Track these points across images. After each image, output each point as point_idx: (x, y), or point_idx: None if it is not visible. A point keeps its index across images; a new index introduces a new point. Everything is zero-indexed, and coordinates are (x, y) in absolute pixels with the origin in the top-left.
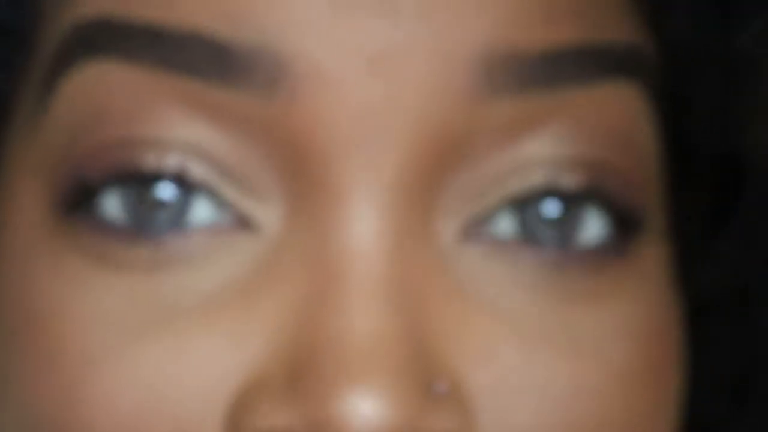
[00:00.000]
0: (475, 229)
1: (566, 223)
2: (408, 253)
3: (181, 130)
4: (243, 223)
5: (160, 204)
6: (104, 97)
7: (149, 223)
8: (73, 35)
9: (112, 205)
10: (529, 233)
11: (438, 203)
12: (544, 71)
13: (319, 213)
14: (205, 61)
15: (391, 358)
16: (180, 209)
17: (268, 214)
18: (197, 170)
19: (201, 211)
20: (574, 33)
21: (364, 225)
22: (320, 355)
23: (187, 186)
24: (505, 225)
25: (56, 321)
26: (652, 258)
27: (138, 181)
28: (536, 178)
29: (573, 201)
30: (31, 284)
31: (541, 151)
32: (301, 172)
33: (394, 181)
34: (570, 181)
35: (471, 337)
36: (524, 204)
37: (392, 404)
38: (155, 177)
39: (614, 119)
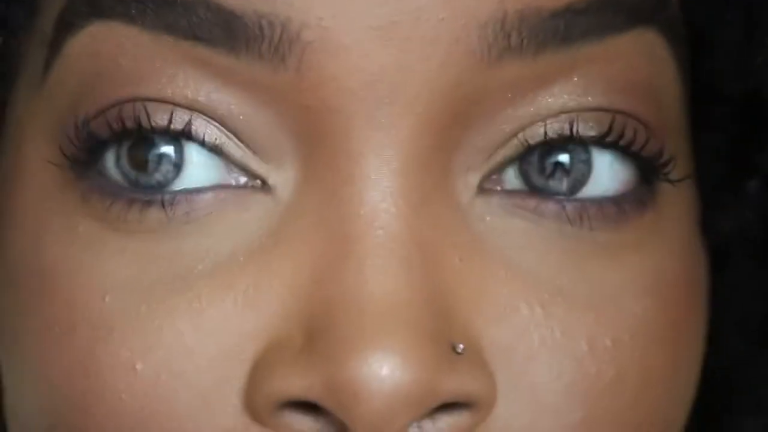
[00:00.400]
0: (494, 182)
1: (586, 173)
2: (424, 213)
3: (188, 90)
4: (254, 184)
5: (168, 162)
6: (111, 57)
7: (157, 183)
8: None
9: (121, 164)
10: (548, 183)
11: (454, 161)
12: (559, 29)
13: (333, 175)
14: (211, 27)
15: (409, 320)
16: (188, 168)
17: (281, 175)
18: (205, 129)
19: (210, 170)
20: None
21: (379, 186)
22: (337, 317)
23: (195, 144)
24: (524, 176)
25: (71, 286)
26: (677, 206)
27: (145, 139)
28: (552, 129)
29: (591, 149)
30: (44, 247)
31: (557, 103)
32: (313, 136)
33: (408, 142)
34: (587, 129)
35: (489, 295)
36: (542, 154)
37: (410, 365)
38: (163, 134)
39: (634, 69)
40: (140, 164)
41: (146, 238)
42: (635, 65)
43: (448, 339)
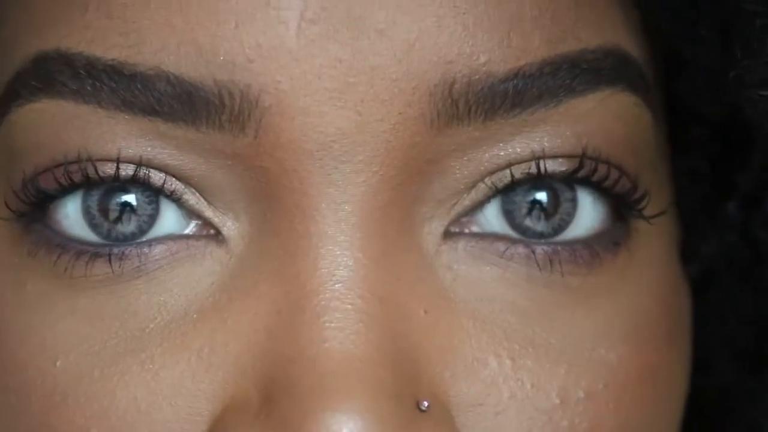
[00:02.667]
0: (463, 224)
1: (555, 220)
2: (386, 265)
3: (140, 152)
4: (208, 233)
5: (118, 212)
6: (58, 133)
7: (107, 233)
8: (31, 68)
9: (69, 217)
10: (516, 225)
11: (416, 212)
12: (508, 94)
13: (289, 231)
14: (171, 101)
15: (369, 378)
16: (139, 217)
17: (235, 226)
18: (157, 176)
19: (165, 221)
20: (544, 45)
21: (336, 241)
22: (294, 377)
23: (147, 189)
24: (491, 221)
25: (22, 351)
26: (654, 241)
27: (94, 189)
28: (519, 170)
29: (560, 191)
30: None
31: (521, 153)
32: (269, 194)
33: (365, 198)
34: (557, 165)
35: (457, 349)
36: (509, 196)
37: (371, 426)
38: (112, 184)
39: (602, 128)
40: (88, 214)
41: (95, 294)
42: (603, 125)
43: (412, 396)
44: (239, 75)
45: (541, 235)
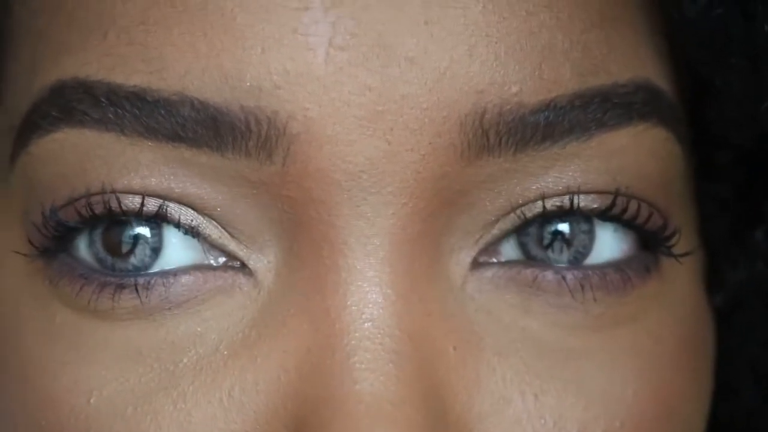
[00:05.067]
0: (489, 253)
1: (588, 244)
2: (415, 300)
3: (162, 184)
4: (233, 264)
5: (144, 244)
6: (79, 162)
7: (133, 267)
8: (49, 98)
9: (92, 249)
10: (547, 254)
11: (444, 244)
12: (539, 126)
13: (317, 264)
14: (196, 127)
15: (400, 420)
16: (165, 250)
17: (261, 259)
18: (180, 211)
19: (187, 251)
20: (575, 78)
21: (365, 276)
22: (325, 419)
23: (170, 226)
24: (522, 247)
25: (52, 388)
26: (682, 275)
27: (119, 221)
28: (552, 203)
29: (589, 224)
30: (22, 339)
31: (553, 187)
32: (296, 225)
33: (394, 231)
34: (589, 202)
35: (483, 387)
36: (541, 224)
37: None
38: (135, 219)
39: (635, 163)
40: (115, 248)
41: (124, 326)
42: (636, 159)
43: None
44: (266, 101)
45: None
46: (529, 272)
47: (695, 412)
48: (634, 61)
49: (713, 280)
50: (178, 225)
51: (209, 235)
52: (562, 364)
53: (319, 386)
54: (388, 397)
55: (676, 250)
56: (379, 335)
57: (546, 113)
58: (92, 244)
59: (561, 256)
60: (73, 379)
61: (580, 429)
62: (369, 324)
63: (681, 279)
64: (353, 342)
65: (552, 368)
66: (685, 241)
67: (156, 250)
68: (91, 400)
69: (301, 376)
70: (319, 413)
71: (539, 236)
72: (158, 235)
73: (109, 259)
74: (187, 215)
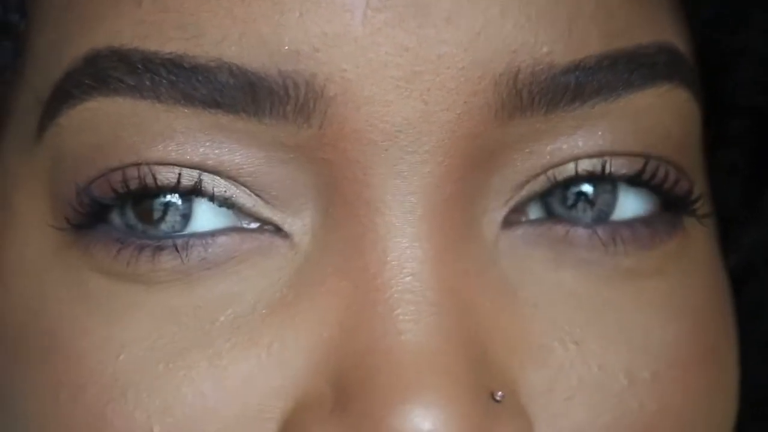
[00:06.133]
0: (518, 213)
1: (611, 203)
2: (451, 257)
3: (197, 156)
4: (270, 230)
5: (175, 212)
6: (113, 131)
7: (166, 232)
8: (83, 67)
9: (128, 218)
10: (570, 213)
11: (477, 204)
12: (569, 86)
13: (354, 224)
14: (234, 93)
15: (447, 370)
16: (196, 218)
17: (296, 222)
18: (214, 183)
19: (218, 217)
20: (602, 40)
21: (404, 233)
22: (371, 370)
23: (204, 198)
24: (546, 207)
25: (81, 345)
26: (702, 236)
27: (152, 196)
28: (583, 167)
29: (612, 185)
30: (47, 306)
31: (584, 148)
32: (331, 187)
33: (430, 190)
34: (619, 168)
35: (523, 338)
36: (566, 186)
37: (452, 419)
38: (172, 191)
39: (660, 123)
40: (146, 215)
41: (162, 288)
42: (661, 119)
43: (487, 387)
44: (304, 64)
45: (591, 221)
46: (560, 227)
47: (731, 357)
48: (655, 24)
49: (726, 247)
50: (212, 198)
51: (243, 204)
52: (600, 314)
53: (363, 339)
54: (433, 347)
55: (699, 212)
56: (420, 288)
57: (576, 73)
58: (123, 214)
59: (584, 215)
60: (103, 336)
61: (627, 373)
62: (410, 278)
63: (702, 238)
64: (396, 295)
65: (590, 318)
66: (705, 206)
67: (186, 216)
68: (121, 357)
69: (342, 331)
70: (364, 366)
71: (563, 197)
72: (189, 202)
73: (140, 225)
74: (220, 187)
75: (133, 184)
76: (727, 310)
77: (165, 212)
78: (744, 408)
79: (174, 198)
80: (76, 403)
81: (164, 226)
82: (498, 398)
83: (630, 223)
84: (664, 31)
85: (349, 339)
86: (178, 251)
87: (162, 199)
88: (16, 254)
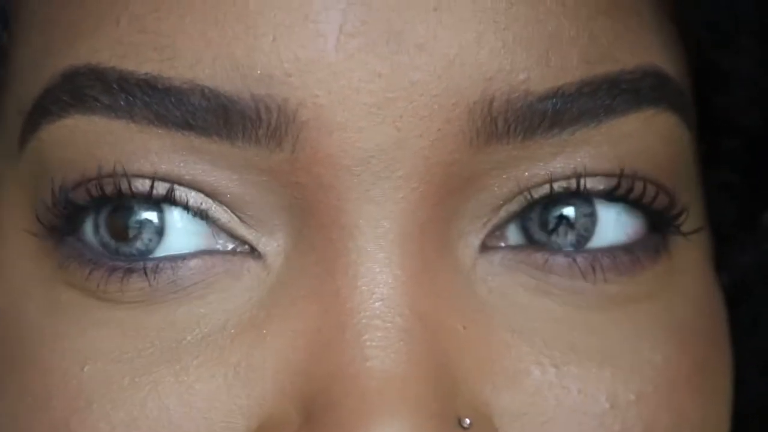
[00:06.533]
0: (497, 238)
1: (590, 227)
2: (425, 281)
3: (173, 170)
4: (243, 249)
5: (150, 230)
6: (89, 149)
7: (138, 252)
8: (61, 83)
9: (100, 233)
10: (550, 239)
11: (453, 228)
12: (547, 114)
13: (326, 247)
14: (206, 115)
15: (412, 397)
16: (171, 235)
17: (270, 243)
18: (189, 194)
19: (193, 237)
20: (583, 65)
21: (376, 258)
22: (337, 395)
23: (178, 209)
24: (525, 231)
25: (48, 354)
26: (692, 252)
27: (125, 206)
28: (559, 185)
29: (595, 202)
30: (22, 314)
31: (561, 171)
32: (305, 210)
33: (404, 215)
34: (595, 184)
35: (498, 363)
36: (544, 207)
37: None
38: (144, 200)
39: (643, 148)
40: (120, 232)
41: (131, 308)
42: (646, 145)
43: (454, 414)
44: (277, 89)
45: (573, 246)
46: (539, 255)
47: (724, 375)
48: (640, 47)
49: (721, 265)
50: (187, 207)
51: (218, 219)
52: (585, 339)
53: (329, 364)
54: (399, 374)
55: (684, 228)
56: (389, 314)
57: (554, 100)
58: (97, 230)
59: (564, 240)
60: (68, 348)
61: (609, 396)
62: (379, 303)
63: (691, 259)
64: (364, 321)
65: (572, 343)
66: (693, 221)
67: (159, 234)
68: (85, 368)
69: (310, 355)
70: (329, 390)
71: (542, 221)
72: (161, 219)
73: (113, 243)
74: (196, 198)
75: (109, 189)
76: (719, 328)
77: (140, 230)
78: (742, 422)
79: (147, 215)
80: (42, 413)
81: (138, 244)
82: (465, 425)
83: (610, 251)
84: (650, 54)
85: (316, 363)
86: (146, 275)
87: (137, 217)
88: (2, 264)
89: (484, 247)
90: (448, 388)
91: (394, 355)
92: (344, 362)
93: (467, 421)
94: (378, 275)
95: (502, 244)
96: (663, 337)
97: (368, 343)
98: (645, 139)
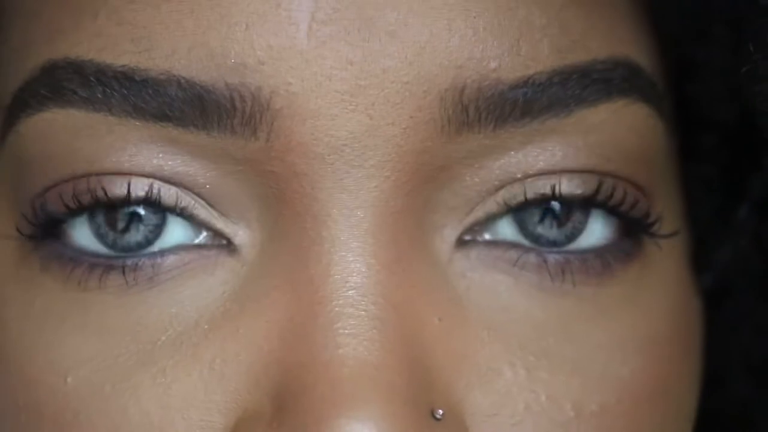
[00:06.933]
0: (475, 232)
1: (567, 228)
2: (400, 272)
3: (151, 162)
4: (220, 243)
5: (130, 227)
6: (67, 142)
7: (120, 247)
8: (40, 77)
9: (81, 233)
10: (529, 233)
11: (428, 220)
12: (518, 102)
13: (300, 237)
14: (183, 106)
15: (383, 385)
16: (151, 230)
17: (247, 235)
18: (167, 193)
19: (173, 231)
20: (554, 55)
21: (349, 247)
22: (308, 384)
23: (157, 207)
24: (504, 229)
25: (32, 367)
26: (666, 254)
27: (105, 207)
28: (533, 189)
29: (572, 206)
30: (3, 322)
31: (534, 166)
32: (280, 199)
33: (377, 204)
34: (573, 188)
35: (470, 358)
36: (521, 209)
37: None
38: (123, 202)
39: (616, 139)
40: (101, 230)
41: (106, 308)
42: (616, 135)
43: (427, 404)
44: (250, 77)
45: (554, 243)
46: (513, 252)
47: (688, 391)
48: (612, 38)
49: (700, 261)
50: (166, 207)
51: (197, 215)
52: (559, 346)
53: (302, 353)
54: (371, 361)
55: (659, 232)
56: (363, 302)
57: (525, 89)
58: (93, 220)
59: (557, 232)
60: (49, 360)
61: (575, 404)
62: (353, 292)
63: (665, 261)
64: (336, 309)
65: (545, 346)
66: (668, 222)
67: (159, 227)
68: (68, 380)
69: (283, 345)
70: (301, 379)
71: (537, 213)
72: (161, 212)
73: (111, 234)
74: (174, 197)
75: (85, 199)
76: (692, 335)
77: (135, 222)
78: (725, 422)
79: (133, 217)
80: (34, 427)
81: (137, 236)
82: (438, 416)
83: (582, 253)
84: (622, 44)
85: (289, 352)
86: (124, 273)
87: (131, 210)
88: None
89: (462, 242)
90: (422, 377)
91: (367, 342)
92: (316, 350)
93: (440, 412)
94: (351, 264)
95: (478, 239)
96: (634, 349)
97: (340, 331)
98: (615, 129)
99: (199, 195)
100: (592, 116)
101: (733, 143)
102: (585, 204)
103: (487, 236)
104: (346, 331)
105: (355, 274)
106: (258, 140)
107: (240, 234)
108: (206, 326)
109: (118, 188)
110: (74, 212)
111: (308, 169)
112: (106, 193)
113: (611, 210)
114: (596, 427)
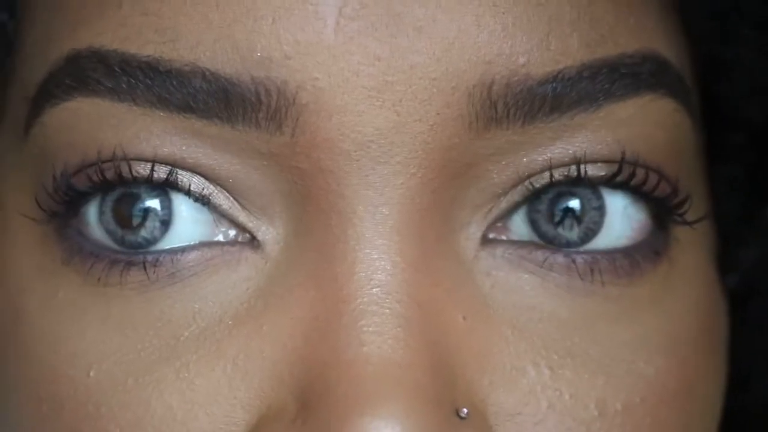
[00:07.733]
0: (499, 230)
1: (599, 220)
2: (424, 269)
3: (174, 153)
4: (243, 238)
5: (154, 218)
6: (92, 132)
7: (144, 240)
8: (64, 67)
9: (104, 220)
10: (557, 232)
11: (453, 217)
12: (547, 98)
13: (325, 234)
14: (207, 98)
15: (408, 383)
16: (175, 224)
17: (270, 231)
18: (191, 179)
19: (197, 225)
20: (583, 49)
21: (374, 245)
22: (332, 382)
23: (181, 195)
24: (518, 226)
25: (55, 360)
26: (693, 252)
27: (130, 194)
28: (559, 172)
29: (604, 195)
30: (25, 313)
31: (561, 157)
32: (305, 196)
33: (403, 201)
34: (596, 170)
35: (495, 356)
36: (552, 201)
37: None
38: (146, 184)
39: (643, 134)
40: (125, 220)
41: (128, 302)
42: (644, 130)
43: (451, 403)
44: (276, 71)
45: (568, 244)
46: (539, 253)
47: (712, 391)
48: (641, 32)
49: (725, 262)
50: (188, 193)
51: (220, 205)
52: (581, 342)
53: (326, 351)
54: (395, 360)
55: (688, 217)
56: (387, 300)
57: (554, 84)
58: (103, 216)
59: (571, 233)
60: (71, 353)
61: (599, 403)
62: (377, 290)
63: (692, 261)
64: (361, 306)
65: (570, 345)
66: (696, 210)
67: (166, 223)
68: (91, 373)
69: (307, 342)
70: (325, 377)
71: (550, 213)
72: (168, 208)
73: (119, 231)
74: (198, 183)
75: (109, 174)
76: (717, 335)
77: (144, 218)
78: (750, 422)
79: (153, 202)
80: (55, 419)
81: (144, 233)
82: (463, 415)
83: (611, 253)
84: (650, 39)
85: (313, 350)
86: (145, 268)
87: (141, 204)
88: (6, 251)
89: (486, 240)
90: (446, 376)
91: (391, 341)
92: (340, 348)
93: (465, 410)
94: (376, 261)
95: (504, 238)
96: (659, 348)
97: (365, 329)
98: (644, 124)
99: (222, 187)
100: (620, 111)
101: (760, 143)
102: (608, 184)
103: (512, 236)
104: (371, 329)
105: (379, 272)
106: (283, 135)
107: (263, 229)
108: (230, 322)
109: (142, 168)
110: (97, 187)
111: (334, 165)
112: (131, 171)
113: (635, 190)
114: (620, 426)
